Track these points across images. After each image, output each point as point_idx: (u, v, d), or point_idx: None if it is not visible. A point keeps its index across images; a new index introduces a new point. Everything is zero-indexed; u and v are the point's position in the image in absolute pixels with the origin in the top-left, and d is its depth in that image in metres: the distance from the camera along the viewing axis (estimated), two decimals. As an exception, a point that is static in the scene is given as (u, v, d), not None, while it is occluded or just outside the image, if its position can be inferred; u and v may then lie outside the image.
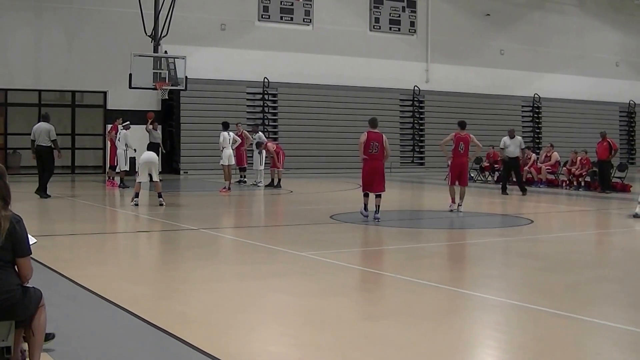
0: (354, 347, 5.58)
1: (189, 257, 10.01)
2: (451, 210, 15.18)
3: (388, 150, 13.91)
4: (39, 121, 18.33)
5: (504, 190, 20.68)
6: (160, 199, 15.83)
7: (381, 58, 32.52)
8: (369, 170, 13.74)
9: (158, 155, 20.60)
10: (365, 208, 13.67)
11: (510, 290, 7.87)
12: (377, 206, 13.62)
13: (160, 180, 16.28)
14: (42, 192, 17.36)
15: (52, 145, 17.62)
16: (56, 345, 5.08)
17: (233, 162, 20.85)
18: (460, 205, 15.20)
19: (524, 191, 20.55)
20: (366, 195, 13.77)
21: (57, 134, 17.89)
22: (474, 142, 15.67)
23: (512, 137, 20.70)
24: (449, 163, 15.80)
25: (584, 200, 20.08)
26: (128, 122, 20.66)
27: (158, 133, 21.00)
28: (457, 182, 15.40)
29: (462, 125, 15.64)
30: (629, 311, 6.97)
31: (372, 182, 13.73)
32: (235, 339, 5.75)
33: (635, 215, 14.57)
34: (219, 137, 20.23)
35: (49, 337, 5.07)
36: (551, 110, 36.69)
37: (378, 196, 13.71)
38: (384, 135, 13.79)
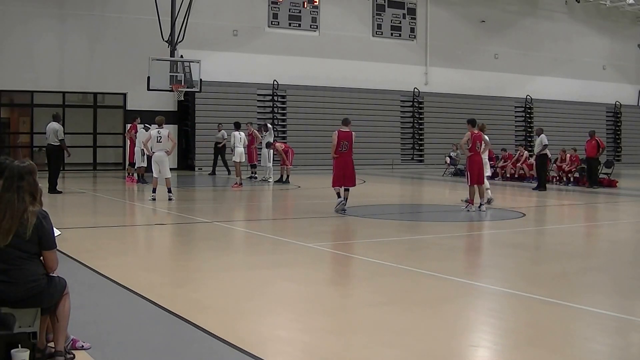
0: (357, 331, 5.58)
1: (203, 248, 10.02)
2: (468, 211, 14.21)
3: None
4: (51, 121, 17.54)
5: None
6: (170, 194, 15.76)
7: (383, 62, 32.48)
8: (340, 167, 13.74)
9: (224, 152, 25.03)
10: (340, 195, 13.75)
11: (503, 279, 7.85)
12: (345, 198, 13.73)
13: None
14: (52, 188, 16.84)
15: (60, 145, 17.26)
16: (78, 330, 5.08)
17: (244, 159, 21.10)
18: (482, 204, 14.34)
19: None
20: (336, 187, 13.84)
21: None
22: (484, 139, 14.76)
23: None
24: (467, 162, 14.89)
25: (573, 195, 20.02)
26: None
27: (221, 133, 25.09)
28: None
29: (472, 122, 14.52)
30: (615, 298, 6.95)
31: (344, 178, 13.76)
32: (247, 324, 5.75)
33: (489, 201, 14.94)
34: (231, 136, 20.58)
35: None
36: (542, 111, 36.58)
37: (347, 190, 13.81)
38: (353, 133, 13.79)
